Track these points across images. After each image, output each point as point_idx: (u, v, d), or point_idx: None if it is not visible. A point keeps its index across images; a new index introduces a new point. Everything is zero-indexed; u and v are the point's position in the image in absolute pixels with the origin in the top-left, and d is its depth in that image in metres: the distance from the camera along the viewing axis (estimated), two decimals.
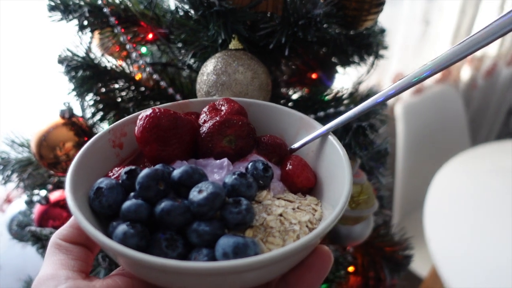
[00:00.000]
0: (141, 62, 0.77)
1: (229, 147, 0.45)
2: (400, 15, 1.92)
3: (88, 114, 0.84)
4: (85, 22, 0.75)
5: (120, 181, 0.40)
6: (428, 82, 2.27)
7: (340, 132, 0.70)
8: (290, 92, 0.88)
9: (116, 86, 0.81)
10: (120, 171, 0.42)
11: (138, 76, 0.81)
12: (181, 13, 0.72)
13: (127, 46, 0.76)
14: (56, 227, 0.69)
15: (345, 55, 0.79)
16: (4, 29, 1.22)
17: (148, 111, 0.43)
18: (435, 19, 2.04)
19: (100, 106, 0.82)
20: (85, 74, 0.77)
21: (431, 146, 2.10)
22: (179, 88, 0.78)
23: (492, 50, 2.39)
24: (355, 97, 0.78)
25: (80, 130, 0.81)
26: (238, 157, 0.46)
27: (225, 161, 0.44)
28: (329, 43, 0.75)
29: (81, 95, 0.79)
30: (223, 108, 0.49)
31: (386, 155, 0.84)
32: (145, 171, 0.37)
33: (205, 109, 0.50)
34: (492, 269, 1.28)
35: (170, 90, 0.77)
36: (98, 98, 0.81)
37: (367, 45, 0.79)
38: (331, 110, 0.74)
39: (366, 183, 0.77)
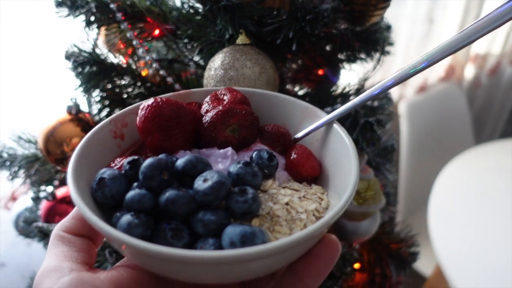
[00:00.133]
0: (147, 58, 0.77)
1: (232, 137, 0.44)
2: (404, 14, 1.92)
3: (95, 110, 0.84)
4: (92, 18, 0.75)
5: (122, 172, 0.39)
6: (432, 80, 2.27)
7: (347, 128, 0.70)
8: (296, 89, 0.87)
9: (123, 82, 0.81)
10: (123, 162, 0.41)
11: (144, 72, 0.81)
12: (188, 8, 0.72)
13: (134, 42, 0.76)
14: None
15: (352, 51, 0.79)
16: (11, 26, 1.23)
17: (150, 101, 0.42)
18: (439, 18, 2.03)
19: (107, 102, 0.82)
20: (91, 70, 0.77)
21: (435, 144, 2.10)
22: (185, 84, 0.78)
23: (496, 48, 2.38)
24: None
25: (86, 126, 0.81)
26: (242, 146, 0.45)
27: (229, 150, 0.43)
28: (336, 39, 0.75)
29: (87, 91, 0.79)
30: (225, 97, 0.48)
31: (392, 151, 0.83)
32: (148, 161, 0.36)
33: (207, 99, 0.49)
34: (497, 268, 1.27)
35: (177, 86, 0.77)
36: (105, 94, 0.81)
37: (373, 41, 0.79)
38: (338, 106, 0.74)
39: (373, 179, 0.77)
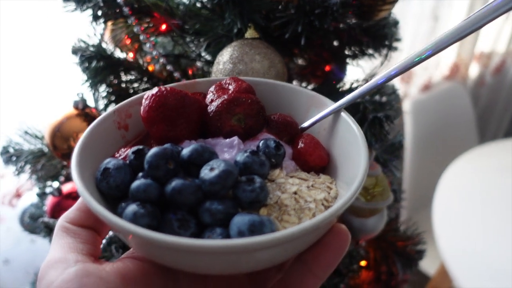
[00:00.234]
0: (154, 53, 0.77)
1: (238, 126, 0.44)
2: (409, 11, 1.92)
3: (101, 105, 0.84)
4: (99, 12, 0.75)
5: (127, 161, 0.38)
6: (436, 79, 2.26)
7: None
8: (303, 85, 0.87)
9: (129, 77, 0.81)
10: (127, 152, 0.41)
11: (151, 68, 0.81)
12: (195, 2, 0.72)
13: (141, 37, 0.76)
14: None
15: (360, 46, 0.79)
16: (18, 21, 1.23)
17: (154, 90, 0.42)
18: (444, 15, 2.03)
19: (113, 97, 0.82)
20: (98, 65, 0.77)
21: (439, 143, 2.09)
22: (192, 80, 0.78)
23: (501, 47, 2.37)
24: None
25: (93, 121, 0.80)
26: (248, 136, 0.44)
27: (235, 139, 0.42)
28: (343, 34, 0.75)
29: (94, 86, 0.79)
30: (230, 87, 0.47)
31: (400, 148, 0.83)
32: (153, 150, 0.36)
33: (211, 89, 0.48)
34: (501, 267, 1.26)
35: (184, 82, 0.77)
36: (111, 90, 0.81)
37: (382, 36, 0.78)
38: None
39: (381, 175, 0.76)
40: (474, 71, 2.42)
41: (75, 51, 0.77)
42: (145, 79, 0.80)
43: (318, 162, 0.44)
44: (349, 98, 0.43)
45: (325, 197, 0.39)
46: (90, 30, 0.78)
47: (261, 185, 0.36)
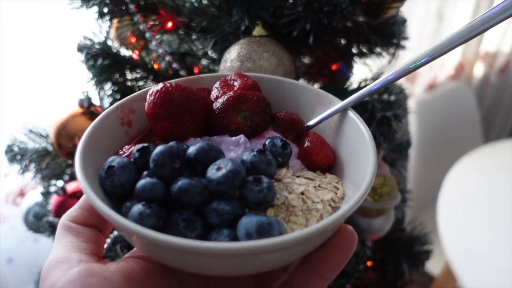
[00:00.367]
0: (160, 51, 0.76)
1: (244, 123, 0.43)
2: (414, 11, 1.91)
3: (106, 103, 0.83)
4: (105, 10, 0.74)
5: (132, 159, 0.38)
6: (441, 78, 2.25)
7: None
8: (310, 83, 0.86)
9: (135, 75, 0.80)
10: (131, 149, 0.40)
11: (156, 66, 0.80)
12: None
13: (147, 35, 0.75)
14: None
15: (368, 44, 0.78)
16: (24, 19, 1.22)
17: (159, 86, 0.41)
18: (449, 15, 2.02)
19: (118, 95, 0.81)
20: (104, 62, 0.76)
21: (444, 143, 2.08)
22: (196, 75, 0.77)
23: (506, 47, 2.36)
24: None
25: None
26: (254, 134, 0.44)
27: (241, 137, 0.41)
28: (351, 32, 0.74)
29: (99, 84, 0.78)
30: (235, 83, 0.46)
31: (408, 147, 0.82)
32: (159, 148, 0.35)
33: (216, 85, 0.47)
34: (506, 267, 1.25)
35: None
36: (116, 88, 0.80)
37: (390, 34, 0.77)
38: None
39: (388, 174, 0.76)
40: (479, 71, 2.41)
41: (80, 49, 0.76)
42: (150, 77, 0.80)
43: (325, 161, 0.43)
44: (357, 95, 0.43)
45: (332, 197, 0.39)
46: (96, 27, 0.78)
47: (269, 185, 0.35)
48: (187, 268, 0.33)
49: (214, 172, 0.34)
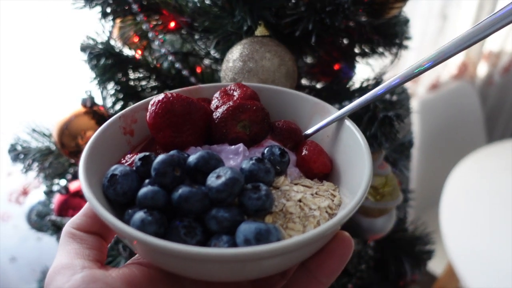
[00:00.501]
0: (163, 50, 0.77)
1: (243, 133, 0.44)
2: (418, 10, 1.90)
3: (109, 103, 0.83)
4: (108, 10, 0.75)
5: (134, 168, 0.39)
6: (444, 78, 2.24)
7: (366, 123, 0.69)
8: (313, 83, 0.86)
9: (138, 75, 0.80)
10: (134, 158, 0.41)
11: (159, 65, 0.81)
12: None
13: (150, 35, 0.75)
14: None
15: (371, 44, 0.78)
16: (27, 18, 1.23)
17: (160, 96, 0.42)
18: (452, 14, 2.01)
19: (121, 95, 0.81)
20: (107, 62, 0.77)
21: (447, 142, 2.08)
22: (200, 78, 0.77)
23: (509, 46, 2.35)
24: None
25: (101, 119, 0.80)
26: (253, 142, 0.45)
27: (240, 146, 0.43)
28: (354, 32, 0.74)
29: (102, 83, 0.78)
30: (235, 93, 0.47)
31: (410, 147, 0.82)
32: (160, 157, 0.36)
33: (216, 95, 0.48)
34: (509, 267, 1.25)
35: (192, 80, 0.76)
36: (119, 87, 0.80)
37: (392, 34, 0.77)
38: (354, 101, 0.72)
39: (390, 174, 0.75)
40: (482, 70, 2.40)
41: (83, 49, 0.77)
42: (153, 77, 0.80)
43: (322, 169, 0.44)
44: (352, 106, 0.44)
45: (329, 204, 0.39)
46: (99, 27, 0.78)
47: (267, 193, 0.36)
48: (187, 274, 0.34)
49: (213, 180, 0.35)
